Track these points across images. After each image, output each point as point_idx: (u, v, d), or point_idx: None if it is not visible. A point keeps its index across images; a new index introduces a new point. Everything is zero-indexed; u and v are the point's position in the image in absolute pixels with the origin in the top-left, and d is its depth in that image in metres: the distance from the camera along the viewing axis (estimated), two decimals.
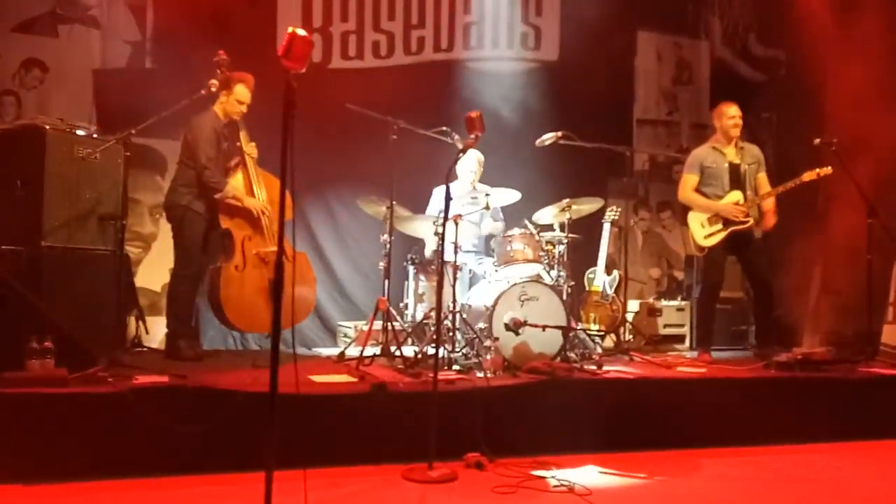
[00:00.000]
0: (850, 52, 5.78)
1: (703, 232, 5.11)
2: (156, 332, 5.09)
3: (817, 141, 5.05)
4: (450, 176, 3.59)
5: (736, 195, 5.04)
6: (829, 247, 5.90)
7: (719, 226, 5.04)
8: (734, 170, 5.10)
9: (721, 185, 5.09)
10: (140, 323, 4.89)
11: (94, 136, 4.30)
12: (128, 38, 5.61)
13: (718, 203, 5.05)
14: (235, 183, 4.61)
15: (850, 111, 5.53)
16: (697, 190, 5.15)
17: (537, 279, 4.62)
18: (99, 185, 4.26)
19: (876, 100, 5.51)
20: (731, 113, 5.12)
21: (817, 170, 4.89)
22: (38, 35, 5.42)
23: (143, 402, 3.26)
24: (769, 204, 5.06)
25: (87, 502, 3.03)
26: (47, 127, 4.10)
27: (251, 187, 4.66)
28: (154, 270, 5.52)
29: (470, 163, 5.12)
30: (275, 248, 4.17)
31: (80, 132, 4.25)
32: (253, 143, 4.73)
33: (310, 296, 4.88)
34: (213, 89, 4.36)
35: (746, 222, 4.97)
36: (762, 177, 5.15)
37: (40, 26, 5.43)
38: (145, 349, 4.83)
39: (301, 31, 2.62)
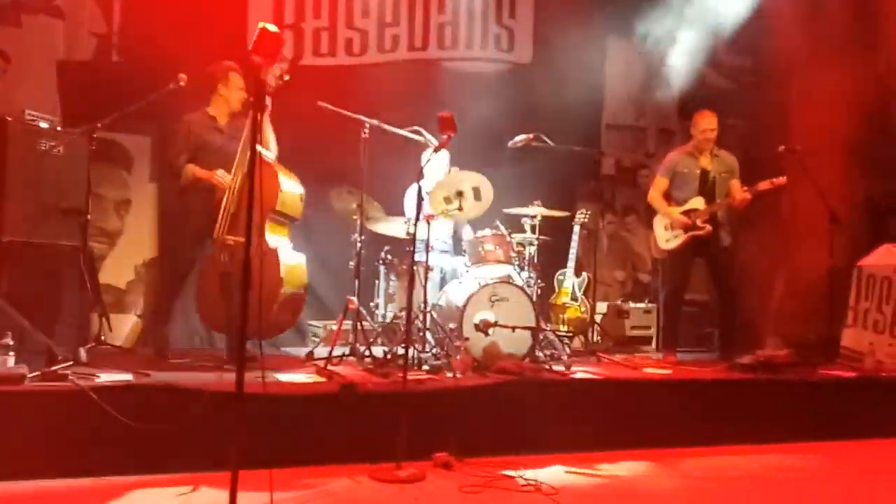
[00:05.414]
0: (815, 60, 5.90)
1: (664, 236, 5.23)
2: (120, 329, 4.99)
3: (781, 148, 5.16)
4: (421, 175, 3.58)
5: (697, 202, 5.13)
6: (793, 251, 6.03)
7: (679, 230, 5.13)
8: (704, 176, 5.18)
9: (688, 191, 5.18)
10: (103, 320, 4.78)
11: (58, 128, 4.20)
12: (93, 30, 5.49)
13: (674, 211, 5.15)
14: (193, 169, 4.41)
15: (814, 117, 5.66)
16: (668, 193, 5.24)
17: (508, 280, 4.63)
18: (62, 179, 4.14)
19: (839, 106, 5.64)
20: (703, 125, 5.17)
21: (772, 179, 4.98)
22: (0, 25, 5.29)
23: (106, 401, 3.19)
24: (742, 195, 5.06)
25: (48, 502, 2.96)
26: (9, 118, 3.99)
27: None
28: (118, 267, 5.41)
29: (444, 162, 5.12)
30: (239, 239, 4.09)
31: (43, 124, 4.14)
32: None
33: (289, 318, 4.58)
34: (182, 83, 4.28)
35: (702, 228, 5.05)
36: (734, 184, 5.22)
37: (2, 16, 5.28)
38: (109, 347, 4.73)
39: (271, 27, 2.59)
